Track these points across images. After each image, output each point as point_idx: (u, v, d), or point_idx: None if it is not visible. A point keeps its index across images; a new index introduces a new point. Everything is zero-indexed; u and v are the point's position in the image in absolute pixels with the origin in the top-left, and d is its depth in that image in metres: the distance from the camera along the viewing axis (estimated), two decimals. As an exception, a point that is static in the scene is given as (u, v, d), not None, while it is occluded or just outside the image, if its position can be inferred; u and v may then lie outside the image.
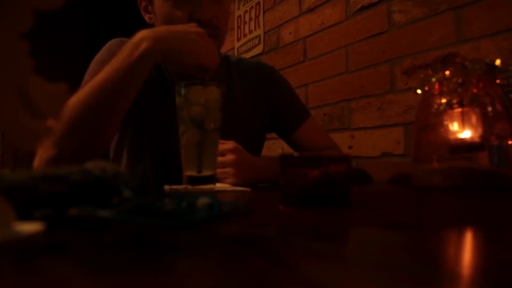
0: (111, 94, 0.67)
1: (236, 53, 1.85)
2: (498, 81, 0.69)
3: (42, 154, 0.65)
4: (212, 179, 0.63)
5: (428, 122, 0.74)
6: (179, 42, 0.69)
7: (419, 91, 0.77)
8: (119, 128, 0.87)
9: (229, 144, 0.73)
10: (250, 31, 1.78)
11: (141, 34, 0.69)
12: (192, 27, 0.72)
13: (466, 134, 0.68)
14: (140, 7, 0.90)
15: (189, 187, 0.61)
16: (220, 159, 0.71)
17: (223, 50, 0.96)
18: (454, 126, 0.69)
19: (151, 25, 0.86)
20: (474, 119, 0.68)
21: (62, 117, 0.63)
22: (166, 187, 0.64)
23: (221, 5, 0.84)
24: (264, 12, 1.70)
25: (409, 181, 0.73)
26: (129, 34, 0.72)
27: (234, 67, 0.99)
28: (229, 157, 0.72)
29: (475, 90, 0.68)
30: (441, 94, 0.70)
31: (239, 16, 1.84)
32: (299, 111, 1.01)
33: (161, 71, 0.89)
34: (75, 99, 0.65)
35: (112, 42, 0.86)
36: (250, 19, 1.78)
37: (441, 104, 0.70)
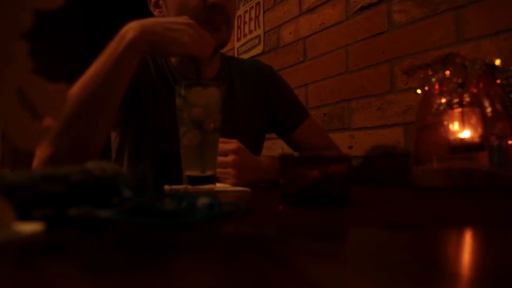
0: (100, 88, 0.66)
1: (236, 53, 1.85)
2: (498, 81, 0.69)
3: (39, 154, 0.65)
4: (212, 179, 0.63)
5: (428, 122, 0.74)
6: (165, 32, 0.69)
7: (419, 91, 0.77)
8: (119, 128, 0.87)
9: (232, 145, 0.73)
10: (250, 31, 1.77)
11: (127, 26, 0.69)
12: (182, 19, 0.72)
13: (466, 134, 0.68)
14: (150, 3, 0.90)
15: (189, 187, 0.61)
16: (221, 159, 0.71)
17: (223, 50, 0.96)
18: (454, 126, 0.69)
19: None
20: (474, 119, 0.68)
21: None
22: (166, 187, 0.64)
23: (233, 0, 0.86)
24: (264, 12, 1.70)
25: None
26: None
27: (235, 68, 0.99)
28: (231, 157, 0.72)
29: (475, 90, 0.68)
30: (441, 94, 0.70)
31: (239, 16, 1.83)
32: (299, 111, 1.02)
33: (162, 69, 0.89)
34: (67, 96, 0.65)
35: None
36: (250, 19, 1.78)
37: (441, 104, 0.70)
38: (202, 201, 0.31)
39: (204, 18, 0.78)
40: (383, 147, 1.13)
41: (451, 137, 0.69)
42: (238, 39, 1.85)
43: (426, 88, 0.75)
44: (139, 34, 0.67)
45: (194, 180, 0.62)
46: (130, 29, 0.68)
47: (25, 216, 0.24)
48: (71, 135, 0.65)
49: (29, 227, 0.23)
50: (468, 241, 0.26)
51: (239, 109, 0.93)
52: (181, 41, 0.68)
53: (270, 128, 1.03)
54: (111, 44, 0.68)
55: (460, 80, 0.68)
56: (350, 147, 1.24)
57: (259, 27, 1.72)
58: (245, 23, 1.81)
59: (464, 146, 0.68)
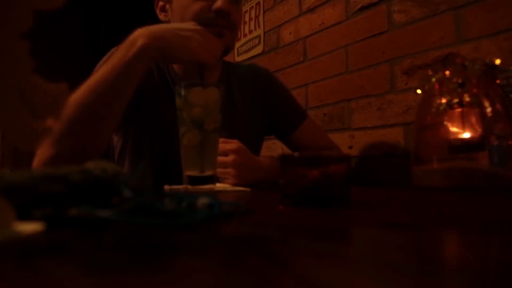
0: (107, 93, 0.66)
1: (236, 53, 1.85)
2: (498, 81, 0.69)
3: (40, 154, 0.65)
4: (212, 179, 0.63)
5: (428, 122, 0.74)
6: (174, 38, 0.69)
7: (419, 91, 0.77)
8: (121, 131, 0.87)
9: (232, 145, 0.73)
10: (250, 31, 1.77)
11: (137, 32, 0.69)
12: (189, 25, 0.72)
13: (466, 134, 0.68)
14: (157, 7, 0.91)
15: (189, 187, 0.61)
16: (221, 159, 0.71)
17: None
18: (454, 126, 0.69)
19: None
20: (474, 119, 0.68)
21: (60, 117, 0.63)
22: (166, 187, 0.64)
23: (238, 8, 0.87)
24: (264, 12, 1.70)
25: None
26: (129, 34, 0.72)
27: (232, 73, 0.99)
28: (231, 157, 0.72)
29: (475, 90, 0.68)
30: (441, 94, 0.70)
31: (239, 16, 1.84)
32: (297, 113, 1.02)
33: (163, 74, 0.89)
34: (73, 99, 0.65)
35: (115, 49, 0.86)
36: (250, 19, 1.78)
37: (441, 104, 0.70)
38: (202, 201, 0.31)
39: (207, 22, 0.78)
40: (383, 147, 1.13)
41: (451, 137, 0.69)
42: (238, 39, 1.85)
43: (426, 88, 0.75)
44: (149, 41, 0.67)
45: (194, 180, 0.62)
46: (140, 35, 0.68)
47: (25, 216, 0.24)
48: (75, 137, 0.65)
49: (29, 227, 0.23)
50: (468, 241, 0.26)
51: (238, 113, 0.94)
52: (190, 48, 0.69)
53: (269, 131, 1.03)
54: (119, 50, 0.69)
55: (460, 80, 0.68)
56: (350, 147, 1.24)
57: (259, 27, 1.72)
58: (245, 23, 1.81)
59: (464, 146, 0.68)
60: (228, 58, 1.00)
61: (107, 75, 0.66)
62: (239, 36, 1.84)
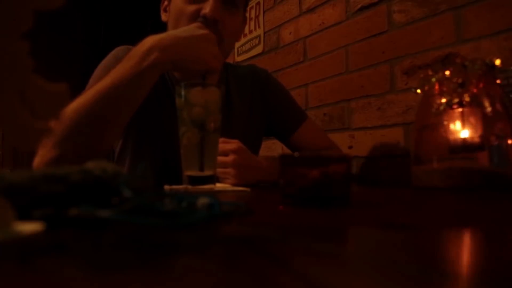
0: (117, 101, 0.66)
1: (236, 53, 1.85)
2: (498, 81, 0.69)
3: (43, 155, 0.65)
4: (212, 179, 0.63)
5: (428, 122, 0.74)
6: (188, 51, 0.69)
7: (419, 91, 0.77)
8: (122, 134, 0.87)
9: (232, 144, 0.73)
10: (250, 31, 1.77)
11: (149, 42, 0.68)
12: (197, 30, 0.72)
13: (466, 134, 0.68)
14: (162, 7, 0.92)
15: (189, 187, 0.61)
16: (221, 159, 0.71)
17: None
18: (454, 126, 0.69)
19: (149, 29, 0.87)
20: (474, 119, 0.68)
21: (65, 119, 0.63)
22: (166, 187, 0.64)
23: (232, 16, 0.85)
24: (264, 12, 1.70)
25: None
26: (129, 34, 0.72)
27: (231, 74, 0.99)
28: (231, 157, 0.72)
29: (475, 90, 0.68)
30: (441, 94, 0.70)
31: (239, 16, 1.83)
32: (296, 114, 1.02)
33: (163, 74, 0.89)
34: (80, 102, 0.65)
35: (119, 49, 0.86)
36: (250, 19, 1.78)
37: (441, 104, 0.70)
38: (202, 201, 0.31)
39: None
40: (383, 147, 1.13)
41: (451, 137, 0.69)
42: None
43: (426, 88, 0.75)
44: (163, 55, 0.67)
45: (194, 180, 0.62)
46: (154, 48, 0.67)
47: (25, 216, 0.24)
48: (80, 141, 0.65)
49: (29, 227, 0.23)
50: (468, 241, 0.26)
51: (236, 114, 0.94)
52: (202, 59, 0.70)
53: (269, 132, 1.03)
54: (130, 58, 0.68)
55: (460, 80, 0.68)
56: (350, 147, 1.24)
57: (259, 27, 1.72)
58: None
59: (464, 146, 0.68)
60: (228, 58, 1.00)
61: (117, 84, 0.66)
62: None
